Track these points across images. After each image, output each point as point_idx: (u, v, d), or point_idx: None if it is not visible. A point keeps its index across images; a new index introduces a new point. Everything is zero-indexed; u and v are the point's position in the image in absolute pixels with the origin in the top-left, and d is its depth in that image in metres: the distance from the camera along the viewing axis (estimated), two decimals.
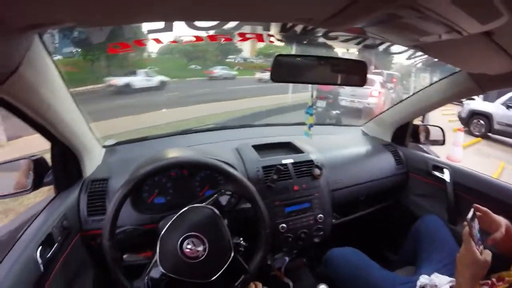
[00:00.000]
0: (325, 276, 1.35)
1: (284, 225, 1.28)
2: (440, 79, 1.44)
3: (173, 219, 0.92)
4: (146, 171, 0.93)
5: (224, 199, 1.03)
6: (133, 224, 1.08)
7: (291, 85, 11.35)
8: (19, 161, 1.06)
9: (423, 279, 1.09)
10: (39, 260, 0.83)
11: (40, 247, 0.85)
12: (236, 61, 22.18)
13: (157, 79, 12.88)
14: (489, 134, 8.20)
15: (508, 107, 7.83)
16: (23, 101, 0.77)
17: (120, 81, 11.54)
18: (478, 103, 8.54)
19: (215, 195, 1.04)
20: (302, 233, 1.32)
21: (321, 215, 1.35)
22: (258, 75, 16.92)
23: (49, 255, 0.88)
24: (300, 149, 1.51)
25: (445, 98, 1.46)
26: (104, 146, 1.45)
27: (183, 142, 1.65)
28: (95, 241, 1.12)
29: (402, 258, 1.48)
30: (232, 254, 0.92)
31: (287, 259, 1.48)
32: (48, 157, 1.10)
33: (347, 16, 0.55)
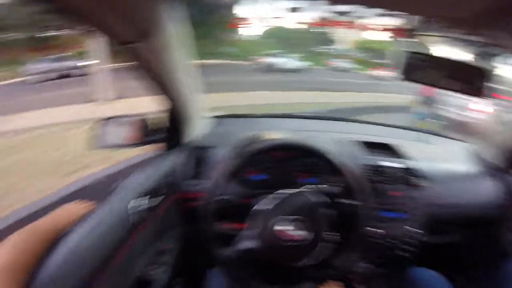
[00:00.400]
0: None
1: (375, 229, 1.23)
2: None
3: (277, 199, 0.93)
4: (260, 146, 0.97)
5: (329, 189, 1.03)
6: (229, 195, 1.09)
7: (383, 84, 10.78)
8: (134, 118, 1.16)
9: None
10: (136, 210, 0.89)
11: (140, 198, 0.92)
12: (331, 52, 21.62)
13: (296, 64, 14.10)
14: None
15: None
16: (156, 60, 0.83)
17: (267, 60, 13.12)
18: None
19: (322, 184, 1.04)
20: (390, 242, 1.25)
21: (414, 229, 1.26)
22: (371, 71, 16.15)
23: (146, 207, 0.94)
24: (402, 154, 1.42)
25: None
26: (212, 117, 1.52)
27: (286, 126, 1.66)
28: (189, 203, 1.18)
29: None
30: (324, 246, 0.91)
31: (367, 266, 1.39)
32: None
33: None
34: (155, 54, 0.82)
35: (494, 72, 0.99)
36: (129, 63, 0.87)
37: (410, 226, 1.26)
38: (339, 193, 1.03)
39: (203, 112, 1.40)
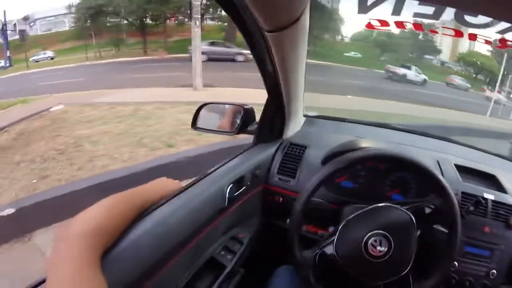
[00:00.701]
0: None
1: (455, 263, 1.11)
2: None
3: (365, 209, 0.90)
4: (363, 155, 0.95)
5: (423, 210, 0.96)
6: (318, 198, 1.09)
7: (490, 107, 9.66)
8: (230, 106, 1.21)
9: None
10: (227, 195, 0.93)
11: (231, 185, 0.95)
12: (433, 63, 20.04)
13: (422, 77, 14.26)
14: None
15: None
16: (283, 51, 0.83)
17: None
18: None
19: (418, 203, 0.97)
20: (467, 280, 1.13)
21: (495, 272, 1.13)
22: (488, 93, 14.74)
23: (235, 194, 0.97)
24: (505, 187, 1.25)
25: None
26: (306, 116, 1.51)
27: (381, 135, 1.59)
28: (273, 197, 1.20)
29: None
30: (409, 268, 0.86)
31: None
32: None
33: None
34: (288, 45, 0.82)
35: None
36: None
37: (492, 268, 1.13)
38: (433, 217, 0.97)
39: (302, 110, 1.40)
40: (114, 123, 5.81)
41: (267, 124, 1.23)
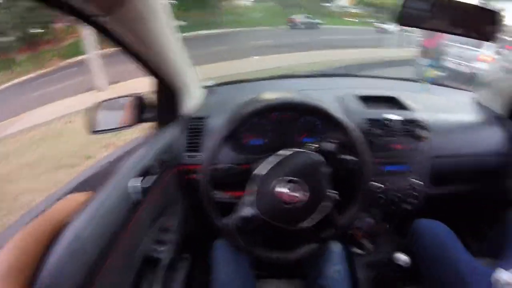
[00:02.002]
0: (406, 247, 1.25)
1: (377, 184, 1.21)
2: None
3: (275, 162, 0.91)
4: (251, 110, 0.93)
5: (329, 147, 0.99)
6: (227, 163, 1.09)
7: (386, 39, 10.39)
8: (124, 98, 1.14)
9: (503, 274, 0.96)
10: (138, 189, 0.88)
11: (141, 177, 0.90)
12: (332, 9, 21.02)
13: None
14: None
15: None
16: (130, 32, 0.78)
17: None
18: None
19: (320, 142, 1.01)
20: (395, 196, 1.25)
21: (418, 182, 1.26)
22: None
23: (147, 185, 0.93)
24: (406, 106, 1.37)
25: None
26: (204, 87, 1.48)
27: (283, 86, 1.61)
28: (188, 175, 1.17)
29: (485, 248, 1.36)
30: (326, 206, 0.89)
31: (370, 220, 1.40)
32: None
33: None
34: (127, 27, 0.77)
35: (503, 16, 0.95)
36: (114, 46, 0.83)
37: (413, 179, 1.25)
38: (339, 150, 1.00)
39: (196, 83, 1.37)
40: (30, 151, 5.44)
41: (163, 106, 1.19)
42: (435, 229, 1.21)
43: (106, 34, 0.81)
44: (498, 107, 1.53)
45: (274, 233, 0.94)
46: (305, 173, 0.89)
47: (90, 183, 1.06)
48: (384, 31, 15.09)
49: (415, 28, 1.04)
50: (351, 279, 1.12)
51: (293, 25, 15.85)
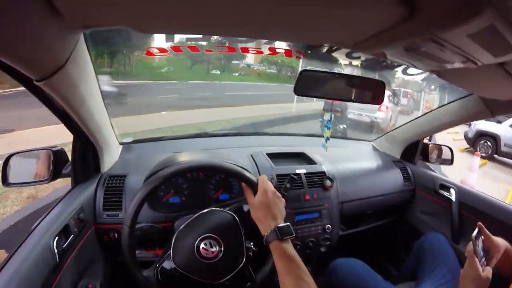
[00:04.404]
0: (328, 285, 1.36)
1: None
2: (452, 101, 1.46)
3: (192, 218, 0.96)
4: (171, 171, 0.96)
5: (246, 207, 1.04)
6: (148, 222, 1.09)
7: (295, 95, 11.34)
8: (40, 151, 1.09)
9: None
10: (55, 250, 0.84)
11: (57, 237, 0.87)
12: (240, 67, 22.33)
13: None
14: (495, 156, 8.16)
15: None
16: (63, 95, 0.78)
17: None
18: (485, 124, 8.42)
19: (238, 202, 1.07)
20: (310, 241, 1.35)
21: (329, 226, 1.38)
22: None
23: (64, 245, 0.89)
24: (313, 160, 1.54)
25: (456, 120, 1.49)
26: (121, 143, 1.48)
27: (198, 145, 1.68)
28: (108, 235, 1.15)
29: (403, 273, 1.50)
30: (244, 260, 0.95)
31: None
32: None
33: (375, 42, 0.59)
34: (60, 91, 0.76)
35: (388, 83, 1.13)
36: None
37: (325, 224, 1.38)
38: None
39: (114, 140, 1.36)
40: None
41: (80, 163, 1.15)
42: (351, 265, 1.34)
43: (38, 96, 0.80)
44: (392, 152, 1.81)
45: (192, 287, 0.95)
46: (221, 231, 0.94)
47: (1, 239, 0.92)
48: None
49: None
50: None
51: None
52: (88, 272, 1.06)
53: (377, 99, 1.13)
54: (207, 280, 0.91)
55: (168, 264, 0.91)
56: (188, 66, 17.82)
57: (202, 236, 0.91)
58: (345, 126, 7.35)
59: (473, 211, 1.42)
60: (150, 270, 0.92)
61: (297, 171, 1.41)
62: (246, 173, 1.02)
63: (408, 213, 1.76)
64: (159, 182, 0.95)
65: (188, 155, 1.25)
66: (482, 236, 0.95)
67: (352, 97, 1.12)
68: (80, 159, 1.15)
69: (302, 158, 1.60)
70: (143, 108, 8.68)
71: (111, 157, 1.30)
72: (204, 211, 0.98)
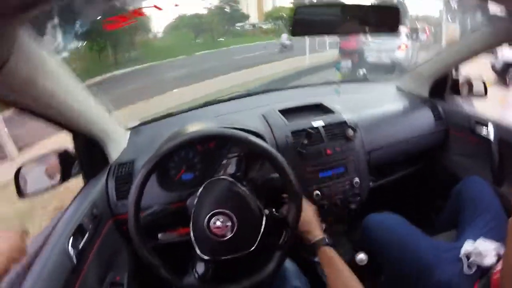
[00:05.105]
0: (363, 243, 1.27)
1: (318, 192, 1.22)
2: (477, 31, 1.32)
3: (200, 191, 0.86)
4: (166, 149, 0.88)
5: (233, 164, 0.98)
6: (161, 204, 1.04)
7: (307, 46, 10.87)
8: (46, 156, 1.07)
9: (467, 246, 1.00)
10: (71, 252, 0.81)
11: (71, 238, 0.84)
12: (245, 28, 21.72)
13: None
14: None
15: None
16: (20, 93, 0.72)
17: None
18: None
19: (223, 164, 0.99)
20: (338, 199, 1.26)
21: (357, 180, 1.28)
22: None
23: (81, 245, 0.86)
24: (331, 109, 1.41)
25: (485, 46, 1.32)
26: (128, 129, 1.42)
27: (208, 114, 1.58)
28: (127, 225, 1.11)
29: (442, 222, 1.40)
30: (264, 220, 0.85)
31: (323, 226, 1.38)
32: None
33: None
34: (22, 81, 0.69)
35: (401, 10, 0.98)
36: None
37: (352, 178, 1.28)
38: (246, 162, 1.00)
39: (117, 127, 1.30)
40: None
41: (85, 159, 1.12)
42: (385, 221, 1.24)
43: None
44: (419, 90, 1.64)
45: (231, 265, 0.86)
46: (225, 200, 0.84)
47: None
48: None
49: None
50: None
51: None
52: (114, 265, 1.05)
53: (393, 28, 0.99)
54: (236, 255, 0.83)
55: (200, 265, 0.84)
56: (192, 38, 17.53)
57: (209, 215, 0.81)
58: (365, 71, 7.11)
59: None
60: (188, 276, 0.86)
61: (314, 124, 1.29)
62: (252, 138, 0.90)
63: (442, 157, 1.61)
64: (156, 161, 0.86)
65: (193, 127, 1.17)
66: None
67: (359, 30, 0.99)
68: (84, 155, 1.11)
69: (320, 109, 1.46)
70: (154, 90, 8.57)
71: (118, 145, 1.25)
72: (202, 186, 0.87)
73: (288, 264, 1.10)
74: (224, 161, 1.17)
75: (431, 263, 1.02)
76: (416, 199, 1.77)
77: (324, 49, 12.09)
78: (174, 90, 8.81)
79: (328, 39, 11.93)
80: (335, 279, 0.85)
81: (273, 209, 0.93)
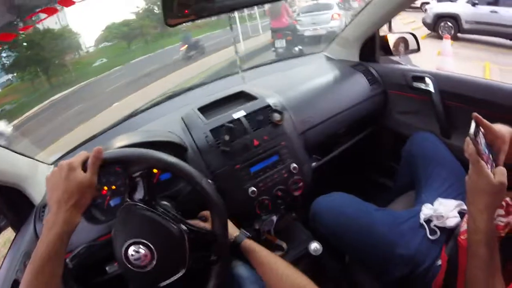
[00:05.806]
0: (316, 230, 1.19)
1: (253, 188, 1.11)
2: None
3: (116, 219, 0.77)
4: None
5: (141, 186, 0.86)
6: (89, 241, 0.91)
7: (240, 33, 10.76)
8: None
9: (426, 210, 0.96)
10: None
11: None
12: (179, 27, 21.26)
13: None
14: (459, 34, 8.01)
15: (473, 4, 7.64)
16: None
17: None
18: (442, 6, 8.36)
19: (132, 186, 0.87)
20: (278, 190, 1.15)
21: (295, 165, 1.17)
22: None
23: None
24: (254, 95, 1.29)
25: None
26: (51, 164, 1.28)
27: (131, 127, 1.44)
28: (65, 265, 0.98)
29: (400, 186, 1.34)
30: (186, 238, 0.75)
31: (274, 219, 1.24)
32: None
33: None
34: None
35: None
36: None
37: (289, 164, 1.18)
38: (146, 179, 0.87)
39: (36, 167, 1.19)
40: None
41: (7, 209, 1.06)
42: (333, 202, 1.16)
43: None
44: (349, 56, 1.56)
45: None
46: (143, 228, 0.75)
47: None
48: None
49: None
50: None
51: None
52: None
53: None
54: (166, 280, 0.73)
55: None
56: (125, 47, 16.92)
57: (125, 245, 0.72)
58: (300, 47, 7.15)
59: (457, 97, 1.23)
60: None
61: (235, 116, 1.18)
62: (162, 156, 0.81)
63: (385, 119, 1.56)
64: None
65: (115, 142, 1.05)
66: (482, 129, 0.71)
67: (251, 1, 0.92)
68: (6, 206, 1.04)
69: (242, 98, 1.35)
70: (93, 110, 8.14)
71: (38, 185, 1.12)
72: (122, 207, 0.78)
73: (243, 271, 1.00)
74: (132, 182, 0.99)
75: (391, 238, 0.96)
76: (369, 169, 1.72)
77: (258, 33, 12.03)
78: (115, 104, 8.43)
79: (261, 23, 11.91)
80: (267, 272, 0.81)
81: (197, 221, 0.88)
